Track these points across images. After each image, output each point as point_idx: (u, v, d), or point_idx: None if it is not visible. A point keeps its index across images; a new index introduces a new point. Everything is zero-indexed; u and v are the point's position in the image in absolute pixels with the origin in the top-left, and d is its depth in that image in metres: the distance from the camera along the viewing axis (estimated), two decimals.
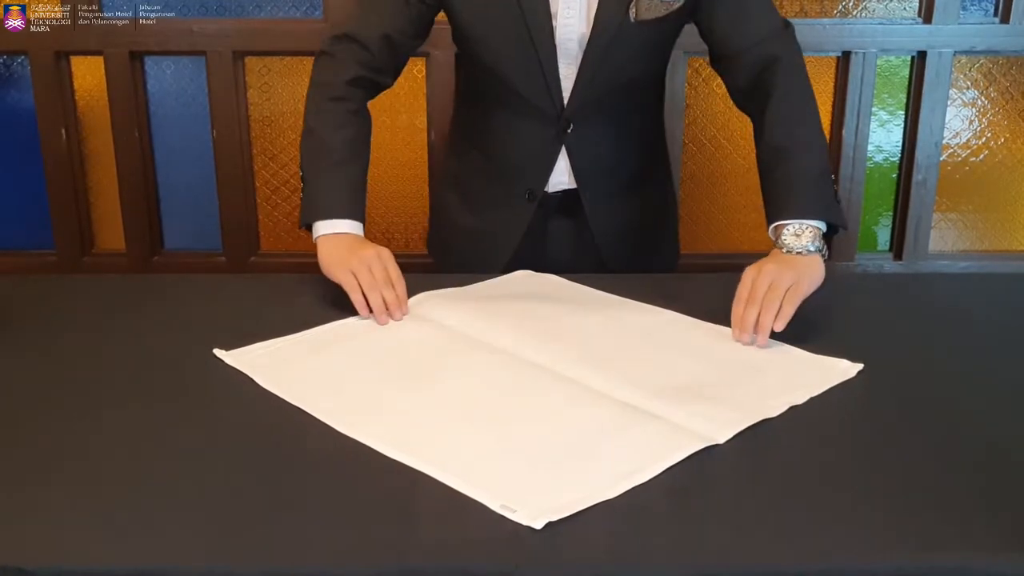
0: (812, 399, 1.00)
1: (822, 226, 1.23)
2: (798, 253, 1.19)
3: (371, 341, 1.15)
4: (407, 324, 1.20)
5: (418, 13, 1.37)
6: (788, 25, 1.34)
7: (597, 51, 1.32)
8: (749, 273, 1.16)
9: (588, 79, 1.35)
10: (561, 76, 1.36)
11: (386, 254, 1.23)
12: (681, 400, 0.98)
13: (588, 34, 1.32)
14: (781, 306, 1.12)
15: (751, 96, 1.34)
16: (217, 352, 1.10)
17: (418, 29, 1.40)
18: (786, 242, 1.21)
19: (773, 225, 1.25)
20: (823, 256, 1.20)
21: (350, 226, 1.29)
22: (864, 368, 1.07)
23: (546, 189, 1.47)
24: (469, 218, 1.53)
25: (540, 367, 1.06)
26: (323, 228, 1.28)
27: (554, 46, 1.33)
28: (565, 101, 1.38)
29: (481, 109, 1.47)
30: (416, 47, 1.42)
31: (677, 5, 1.31)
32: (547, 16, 1.31)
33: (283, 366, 1.07)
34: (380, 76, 1.40)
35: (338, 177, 1.31)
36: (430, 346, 1.13)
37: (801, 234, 1.20)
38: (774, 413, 0.96)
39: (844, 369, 1.07)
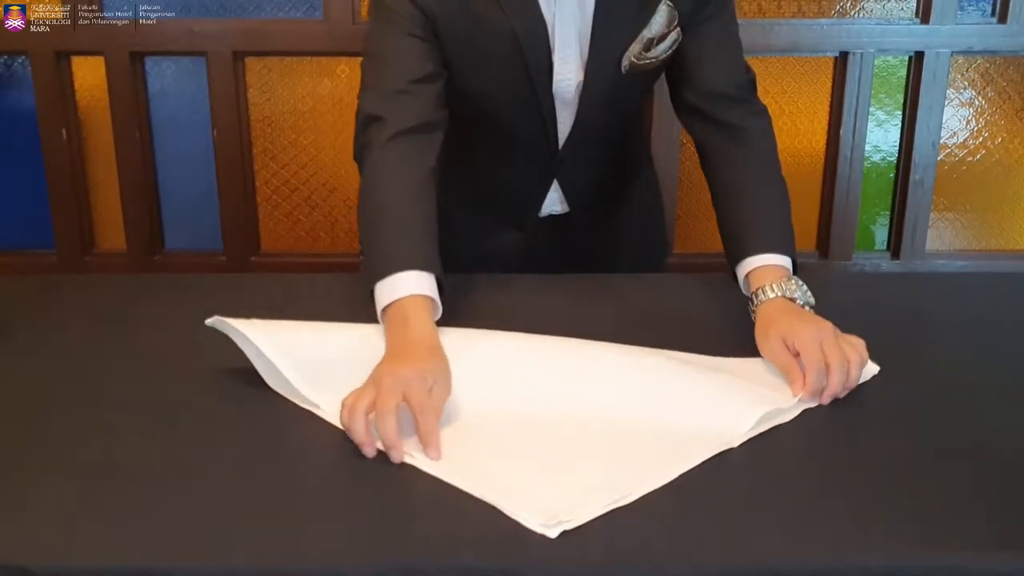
0: None
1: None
2: (809, 308, 1.12)
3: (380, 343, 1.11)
4: None
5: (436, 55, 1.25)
6: (750, 72, 1.33)
7: (592, 98, 1.30)
8: (813, 341, 1.02)
9: (584, 121, 1.33)
10: (558, 121, 1.33)
11: (414, 388, 0.92)
12: (695, 405, 0.98)
13: (583, 83, 1.29)
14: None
15: (714, 124, 1.30)
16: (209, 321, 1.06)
17: (438, 67, 1.25)
18: (799, 296, 1.12)
19: (773, 257, 1.16)
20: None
21: (407, 282, 1.07)
22: None
23: (538, 215, 1.44)
24: (454, 246, 1.40)
25: (553, 376, 1.04)
26: (382, 297, 1.07)
27: (552, 95, 1.30)
28: (561, 143, 1.35)
29: (465, 140, 1.39)
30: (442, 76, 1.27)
31: (667, 55, 1.29)
32: (548, 68, 1.27)
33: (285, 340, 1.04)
34: (425, 118, 1.22)
35: (395, 231, 1.12)
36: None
37: (806, 287, 1.13)
38: (788, 417, 0.97)
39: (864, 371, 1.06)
